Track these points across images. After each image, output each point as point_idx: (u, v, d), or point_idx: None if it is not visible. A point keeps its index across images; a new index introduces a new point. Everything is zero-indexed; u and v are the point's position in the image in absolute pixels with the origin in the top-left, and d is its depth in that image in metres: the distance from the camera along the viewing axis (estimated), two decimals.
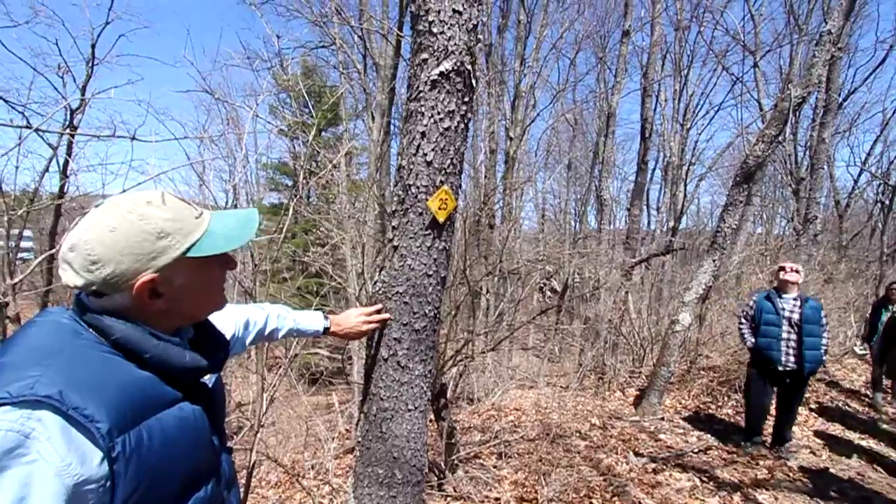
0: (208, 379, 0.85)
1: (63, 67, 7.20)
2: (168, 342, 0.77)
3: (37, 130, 3.64)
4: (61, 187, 7.29)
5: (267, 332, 1.31)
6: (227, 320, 1.17)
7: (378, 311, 1.48)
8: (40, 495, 0.58)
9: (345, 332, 1.46)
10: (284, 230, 2.99)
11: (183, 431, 0.75)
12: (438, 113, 1.43)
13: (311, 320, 1.43)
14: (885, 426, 4.56)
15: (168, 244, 0.75)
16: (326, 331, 1.45)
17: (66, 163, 7.15)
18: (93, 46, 7.65)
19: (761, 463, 3.72)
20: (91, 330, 0.73)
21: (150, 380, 0.73)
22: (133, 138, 3.36)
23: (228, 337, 1.14)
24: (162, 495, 0.71)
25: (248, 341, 1.25)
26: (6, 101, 4.38)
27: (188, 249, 0.77)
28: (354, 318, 1.47)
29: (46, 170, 7.38)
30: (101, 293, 0.74)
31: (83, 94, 7.18)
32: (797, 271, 3.75)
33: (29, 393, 0.60)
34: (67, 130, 5.54)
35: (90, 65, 7.93)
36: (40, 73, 6.93)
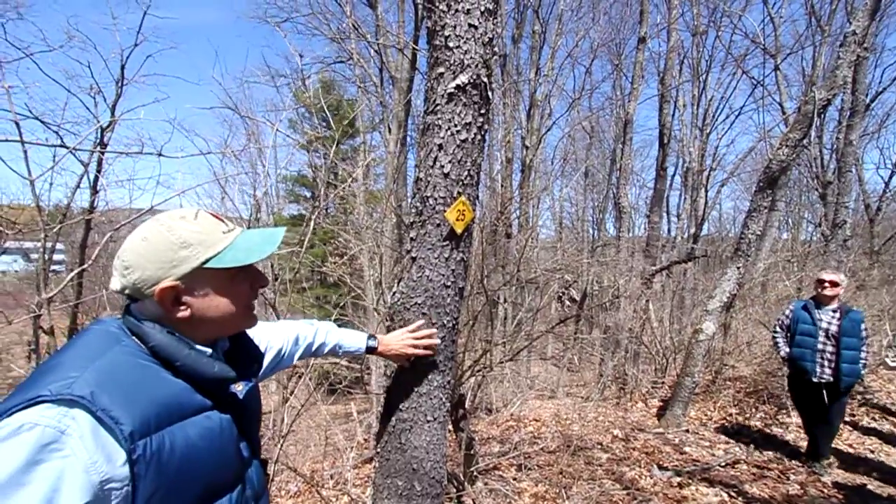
0: (240, 390, 0.86)
1: (94, 88, 7.53)
2: (200, 352, 0.81)
3: (72, 151, 3.81)
4: (91, 202, 7.58)
5: (315, 347, 1.34)
6: (277, 335, 1.22)
7: (429, 336, 1.46)
8: (71, 489, 0.62)
9: (392, 352, 1.44)
10: (306, 242, 3.04)
11: (208, 440, 0.77)
12: (455, 125, 1.45)
13: (355, 339, 1.43)
14: None
15: (189, 254, 0.80)
16: (371, 350, 1.43)
17: (97, 179, 7.43)
18: (122, 67, 7.98)
19: (792, 478, 3.58)
20: (134, 337, 0.79)
21: (180, 387, 0.77)
22: (160, 154, 3.49)
23: (276, 351, 1.19)
24: (182, 500, 0.72)
25: (297, 356, 1.29)
26: (42, 122, 4.60)
27: (208, 260, 0.81)
28: (400, 339, 1.44)
29: (78, 186, 7.68)
30: (134, 298, 0.81)
31: (113, 114, 7.49)
32: (837, 284, 3.60)
33: (66, 392, 0.65)
34: (98, 148, 5.77)
35: (119, 85, 8.27)
36: (73, 94, 7.27)
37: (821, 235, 9.65)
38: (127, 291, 0.80)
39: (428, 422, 1.54)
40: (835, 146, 10.80)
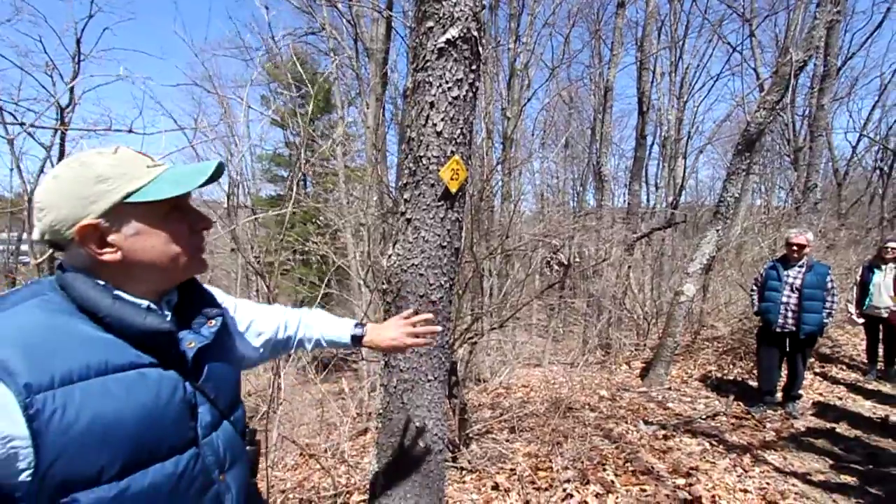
0: (191, 347, 0.79)
1: (50, 65, 7.10)
2: (129, 303, 0.75)
3: (29, 128, 3.60)
4: None
5: (295, 341, 1.20)
6: (270, 318, 1.13)
7: (427, 322, 1.29)
8: None
9: (387, 344, 1.24)
10: (288, 216, 2.98)
11: (136, 397, 0.70)
12: (447, 82, 1.42)
13: (338, 330, 1.24)
14: (885, 389, 4.62)
15: (107, 188, 0.72)
16: (357, 341, 1.23)
17: (60, 161, 7.10)
18: (78, 42, 7.53)
19: (769, 425, 3.78)
20: (62, 291, 0.72)
21: (106, 342, 0.71)
22: (130, 131, 3.33)
23: (269, 335, 1.11)
24: (98, 462, 0.66)
25: (286, 344, 1.19)
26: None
27: (130, 194, 0.73)
28: (396, 328, 1.25)
29: (41, 170, 7.33)
30: (55, 245, 0.74)
31: (72, 92, 7.09)
32: (803, 245, 3.81)
33: None
34: (61, 126, 5.48)
35: (76, 61, 7.81)
36: (28, 72, 6.84)
37: (793, 199, 9.96)
38: (46, 237, 0.73)
39: (429, 381, 1.56)
40: (806, 112, 11.04)
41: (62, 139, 7.15)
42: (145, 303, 0.77)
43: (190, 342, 0.80)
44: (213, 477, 0.81)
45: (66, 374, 0.65)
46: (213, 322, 0.85)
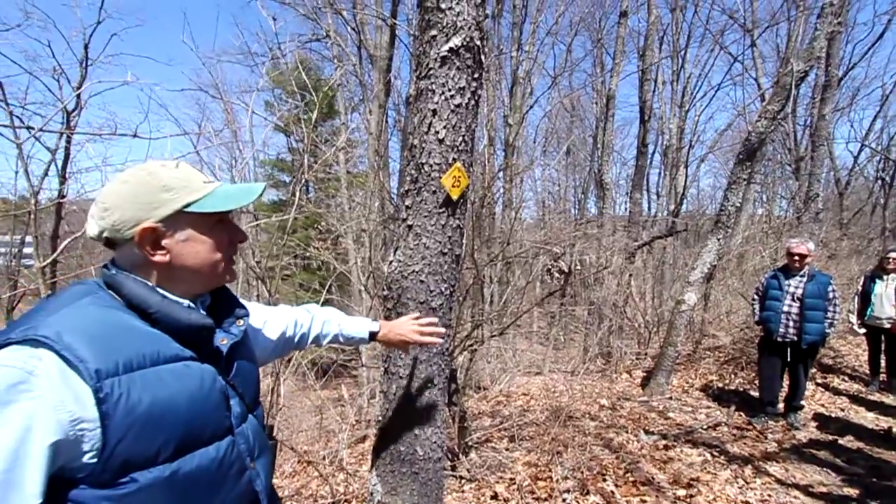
0: (224, 344, 0.87)
1: (58, 70, 7.15)
2: (175, 301, 0.82)
3: (35, 134, 3.62)
4: (61, 190, 7.27)
5: (311, 336, 1.28)
6: (280, 318, 1.20)
7: (432, 324, 1.39)
8: (42, 428, 0.63)
9: (397, 338, 1.34)
10: (290, 221, 2.99)
11: (184, 386, 0.77)
12: (449, 90, 1.43)
13: (357, 326, 1.33)
14: (887, 400, 4.59)
15: (170, 197, 0.80)
16: (373, 337, 1.33)
17: (66, 165, 7.13)
18: (86, 47, 7.58)
19: (770, 437, 3.75)
20: (110, 290, 0.79)
21: (155, 336, 0.77)
22: (135, 136, 3.35)
23: (279, 333, 1.18)
24: (156, 443, 0.72)
25: (295, 342, 1.25)
26: (9, 109, 4.33)
27: (189, 204, 0.82)
28: (406, 325, 1.36)
29: (46, 173, 7.35)
30: (112, 242, 0.81)
31: (79, 96, 7.14)
32: (805, 255, 3.80)
33: (31, 333, 0.66)
34: (67, 130, 5.52)
35: (84, 66, 7.87)
36: (36, 76, 6.88)
37: (794, 209, 9.96)
38: (105, 234, 0.79)
39: (428, 388, 1.56)
40: (808, 122, 11.07)
41: (68, 142, 7.20)
42: (186, 301, 0.84)
43: (222, 339, 0.87)
44: (246, 463, 0.88)
45: (127, 361, 0.71)
46: (242, 322, 0.93)
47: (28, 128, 3.58)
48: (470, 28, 1.40)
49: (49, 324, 0.68)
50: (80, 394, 0.66)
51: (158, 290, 0.81)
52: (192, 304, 0.85)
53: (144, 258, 0.80)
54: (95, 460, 0.67)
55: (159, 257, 0.81)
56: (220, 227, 0.87)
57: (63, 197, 7.30)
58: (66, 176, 7.43)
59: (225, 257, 0.88)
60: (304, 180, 3.77)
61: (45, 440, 0.63)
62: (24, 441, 0.61)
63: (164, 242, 0.81)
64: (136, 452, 0.69)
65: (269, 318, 1.17)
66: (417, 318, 1.39)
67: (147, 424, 0.70)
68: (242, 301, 1.07)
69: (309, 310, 1.30)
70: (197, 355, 0.82)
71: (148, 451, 0.71)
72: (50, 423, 0.63)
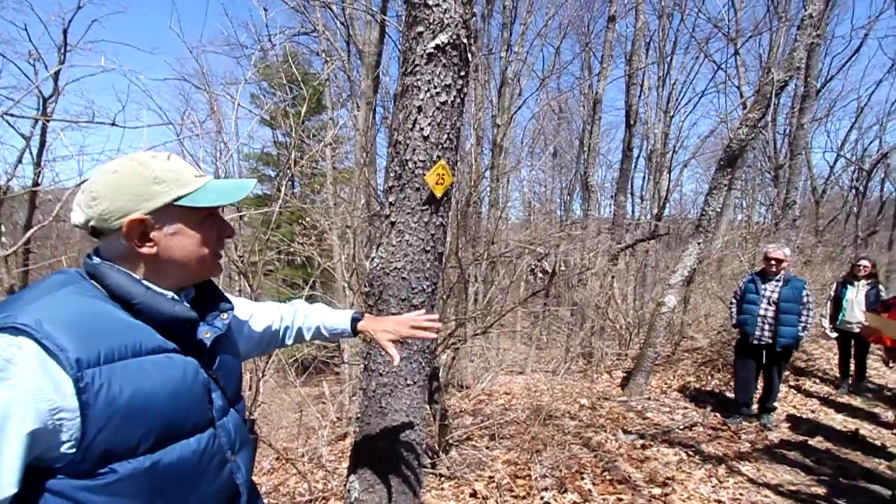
0: (208, 337, 0.86)
1: (34, 54, 6.92)
2: (159, 293, 0.81)
3: (7, 116, 3.50)
4: (35, 178, 7.04)
5: (294, 330, 1.25)
6: (265, 313, 1.19)
7: (431, 320, 1.30)
8: (19, 416, 0.62)
9: (384, 331, 1.25)
10: (275, 215, 2.96)
11: (167, 378, 0.76)
12: (435, 87, 1.42)
13: (338, 319, 1.28)
14: (855, 403, 4.74)
15: (161, 189, 0.79)
16: (356, 324, 1.27)
17: (41, 152, 6.91)
18: (64, 32, 7.35)
19: (744, 437, 3.85)
20: (92, 280, 0.78)
21: (138, 327, 0.76)
22: (113, 124, 3.26)
23: (264, 328, 1.17)
24: (136, 434, 0.71)
25: (281, 336, 1.24)
26: None
27: (180, 198, 0.81)
28: (393, 323, 1.27)
29: (19, 161, 7.12)
30: (98, 232, 0.79)
31: (56, 82, 6.92)
32: (781, 260, 3.91)
33: (10, 321, 0.65)
34: (42, 116, 5.35)
35: (62, 51, 7.63)
36: (10, 59, 6.65)
37: (772, 215, 10.21)
38: (92, 223, 0.78)
39: (408, 385, 1.56)
40: (787, 131, 11.36)
41: (43, 130, 6.97)
42: (171, 294, 0.84)
43: (206, 332, 0.86)
44: (227, 456, 0.88)
45: (109, 351, 0.70)
46: (226, 315, 0.92)
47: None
48: (457, 26, 1.40)
49: (29, 312, 0.67)
50: (60, 383, 0.65)
51: (143, 281, 0.80)
52: (176, 297, 0.84)
53: (131, 250, 0.79)
54: (74, 450, 0.66)
55: (146, 249, 0.80)
56: (210, 221, 0.87)
57: (37, 185, 7.07)
58: (41, 164, 7.19)
59: (212, 252, 0.88)
60: (290, 175, 3.73)
61: (23, 429, 0.62)
62: (2, 428, 0.61)
63: (152, 235, 0.80)
64: (115, 443, 0.69)
65: (254, 313, 1.17)
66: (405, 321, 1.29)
67: (128, 415, 0.70)
68: (228, 296, 1.06)
69: (293, 304, 1.29)
70: (180, 348, 0.81)
71: (128, 443, 0.70)
72: (28, 411, 0.62)
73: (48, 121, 5.00)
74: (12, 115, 3.51)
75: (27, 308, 0.68)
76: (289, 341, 1.26)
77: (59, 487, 0.67)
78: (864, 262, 4.90)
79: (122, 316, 0.76)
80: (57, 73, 7.14)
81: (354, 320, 1.28)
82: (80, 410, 0.66)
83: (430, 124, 1.43)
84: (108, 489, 0.69)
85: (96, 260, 0.79)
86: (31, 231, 3.00)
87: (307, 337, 1.28)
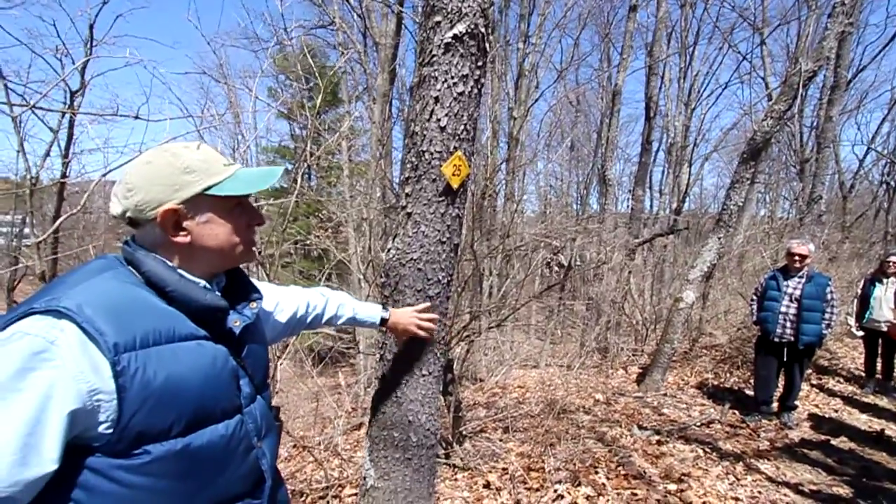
0: (237, 325, 0.88)
1: (62, 49, 7.09)
2: (192, 281, 0.84)
3: (36, 109, 3.60)
4: (64, 170, 7.25)
5: (325, 317, 1.32)
6: (291, 299, 1.23)
7: (432, 320, 1.49)
8: (61, 396, 0.65)
9: (403, 326, 1.44)
10: (291, 207, 2.99)
11: (198, 364, 0.79)
12: (452, 77, 1.42)
13: (370, 311, 1.41)
14: (881, 403, 4.61)
15: (192, 179, 0.82)
16: (383, 323, 1.42)
17: (69, 145, 7.10)
18: (90, 27, 7.51)
19: (763, 435, 3.78)
20: (129, 266, 0.81)
21: (171, 313, 0.79)
22: (136, 117, 3.33)
23: (289, 315, 1.20)
24: (169, 417, 0.74)
25: (308, 321, 1.28)
26: (4, 82, 4.29)
27: (210, 187, 0.83)
28: (409, 315, 1.45)
29: (48, 153, 7.33)
30: (135, 222, 0.83)
31: (82, 77, 7.09)
32: (805, 256, 3.80)
33: (54, 304, 0.68)
34: (69, 110, 5.50)
35: (88, 46, 7.81)
36: (38, 54, 6.83)
37: (797, 210, 9.93)
38: (128, 214, 0.81)
39: (423, 376, 1.57)
40: (814, 123, 10.99)
41: (71, 123, 7.16)
42: (203, 282, 0.86)
43: (236, 321, 0.88)
44: (253, 442, 0.90)
45: (144, 337, 0.73)
46: (255, 304, 0.94)
47: (24, 104, 3.56)
48: (475, 15, 1.38)
49: (71, 296, 0.70)
50: (99, 365, 0.68)
51: (177, 269, 0.82)
52: (207, 286, 0.87)
53: (165, 238, 0.82)
54: (111, 431, 0.69)
55: (180, 238, 0.82)
56: (240, 210, 0.89)
57: (65, 177, 7.29)
58: (69, 156, 7.40)
59: (243, 240, 0.90)
60: (306, 167, 3.77)
61: (65, 408, 0.65)
62: (45, 408, 0.63)
63: (185, 224, 0.82)
64: (149, 425, 0.71)
65: (281, 299, 1.20)
66: (420, 311, 1.46)
67: (161, 399, 0.72)
68: (255, 283, 1.09)
69: (323, 293, 1.34)
70: (210, 335, 0.83)
71: (161, 425, 0.73)
72: (69, 391, 0.65)
73: (75, 114, 5.14)
74: (41, 109, 3.61)
75: (70, 292, 0.70)
76: (316, 326, 1.32)
77: (97, 465, 0.70)
78: (894, 259, 4.74)
79: (157, 302, 0.78)
80: (83, 67, 7.31)
81: (383, 320, 1.41)
82: (116, 393, 0.68)
83: (447, 115, 1.43)
84: (142, 469, 0.72)
85: (133, 248, 0.82)
86: (60, 220, 3.10)
87: (337, 324, 1.36)
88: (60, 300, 0.69)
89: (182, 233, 0.83)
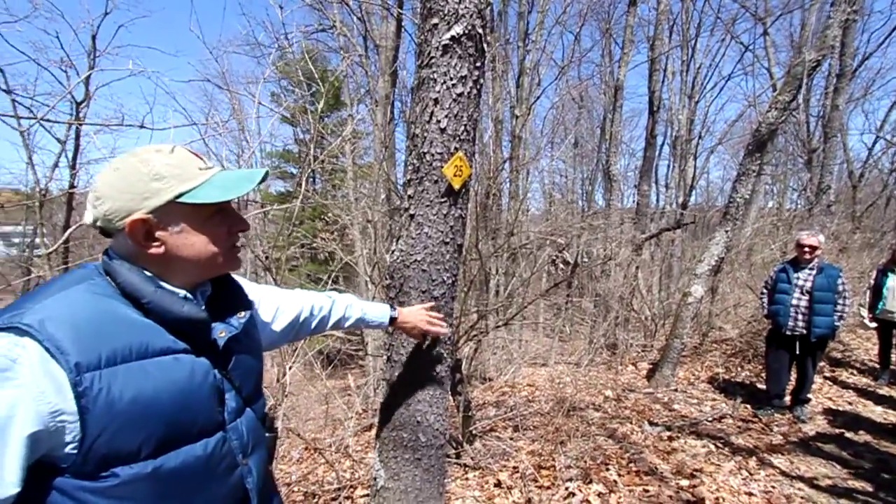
0: (222, 336, 0.83)
1: (66, 61, 7.20)
2: (170, 292, 0.79)
3: (43, 121, 3.66)
4: (71, 180, 7.36)
5: (333, 319, 1.28)
6: (293, 303, 1.17)
7: (441, 319, 1.48)
8: (23, 417, 0.62)
9: (411, 325, 1.43)
10: (297, 211, 3.01)
11: (172, 381, 0.74)
12: (451, 79, 1.42)
13: (378, 311, 1.38)
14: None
15: (161, 187, 0.76)
16: (392, 321, 1.40)
17: (76, 156, 7.20)
18: (93, 38, 7.64)
19: (776, 429, 3.74)
20: (107, 277, 0.77)
21: (147, 326, 0.75)
22: (142, 126, 3.37)
23: (291, 319, 1.15)
24: (137, 439, 0.70)
25: (313, 325, 1.24)
26: (7, 92, 4.35)
27: (182, 195, 0.77)
28: (419, 314, 1.44)
29: (56, 164, 7.44)
30: (106, 231, 0.78)
31: (87, 86, 7.19)
32: (815, 247, 3.76)
33: (15, 321, 0.65)
34: (75, 121, 5.58)
35: (92, 57, 7.91)
36: (44, 66, 6.94)
37: (805, 201, 9.82)
38: (98, 223, 0.77)
39: (430, 376, 1.57)
40: (821, 113, 10.86)
41: (77, 134, 7.27)
42: (183, 292, 0.81)
43: (221, 331, 0.83)
44: (237, 460, 0.85)
45: (111, 354, 0.69)
46: (243, 314, 0.89)
47: (32, 117, 3.62)
48: (472, 16, 1.39)
49: (35, 311, 0.66)
50: (61, 385, 0.64)
51: (155, 280, 0.78)
52: (188, 295, 0.81)
53: (138, 249, 0.77)
54: (76, 452, 0.66)
55: (154, 249, 0.77)
56: (219, 217, 0.82)
57: (73, 187, 7.39)
58: (77, 167, 7.51)
59: (223, 249, 0.84)
60: (310, 170, 3.79)
61: (24, 430, 0.62)
62: (5, 429, 0.61)
63: (157, 234, 0.77)
64: (116, 447, 0.68)
65: (282, 303, 1.15)
66: (430, 307, 1.47)
67: (128, 420, 0.69)
68: (248, 287, 1.05)
69: (329, 295, 1.30)
70: (192, 347, 0.79)
71: (129, 447, 0.69)
72: (30, 413, 0.62)
73: (81, 125, 5.22)
74: (49, 121, 3.67)
75: (35, 307, 0.67)
76: (324, 329, 1.27)
77: (63, 486, 0.67)
78: None
79: (131, 315, 0.74)
80: (88, 78, 7.41)
81: (392, 318, 1.39)
82: (79, 414, 0.65)
83: (446, 116, 1.43)
84: (110, 492, 0.68)
85: (110, 258, 0.78)
86: (69, 231, 3.14)
87: (345, 326, 1.32)
88: (23, 316, 0.65)
89: (155, 243, 0.77)
